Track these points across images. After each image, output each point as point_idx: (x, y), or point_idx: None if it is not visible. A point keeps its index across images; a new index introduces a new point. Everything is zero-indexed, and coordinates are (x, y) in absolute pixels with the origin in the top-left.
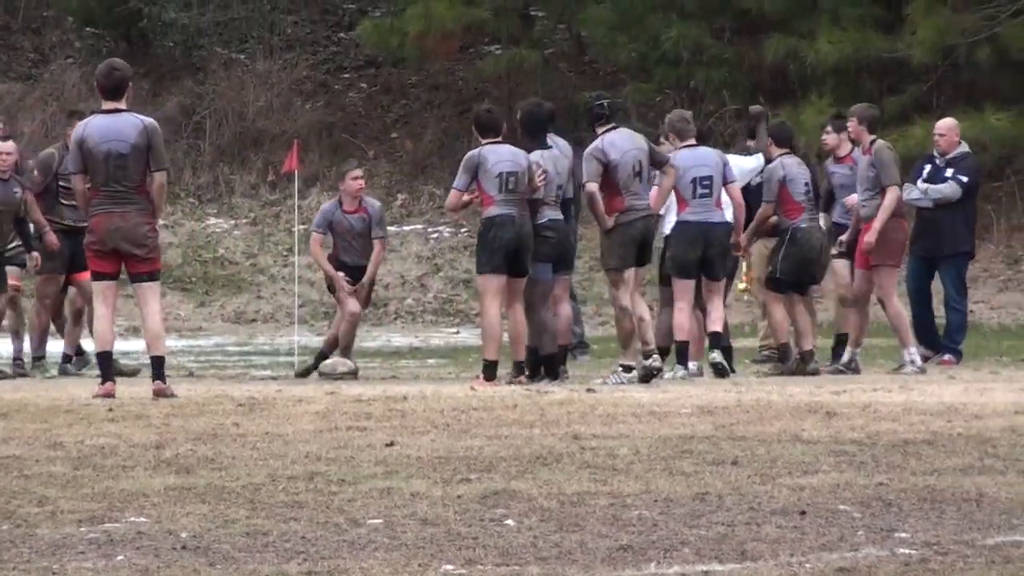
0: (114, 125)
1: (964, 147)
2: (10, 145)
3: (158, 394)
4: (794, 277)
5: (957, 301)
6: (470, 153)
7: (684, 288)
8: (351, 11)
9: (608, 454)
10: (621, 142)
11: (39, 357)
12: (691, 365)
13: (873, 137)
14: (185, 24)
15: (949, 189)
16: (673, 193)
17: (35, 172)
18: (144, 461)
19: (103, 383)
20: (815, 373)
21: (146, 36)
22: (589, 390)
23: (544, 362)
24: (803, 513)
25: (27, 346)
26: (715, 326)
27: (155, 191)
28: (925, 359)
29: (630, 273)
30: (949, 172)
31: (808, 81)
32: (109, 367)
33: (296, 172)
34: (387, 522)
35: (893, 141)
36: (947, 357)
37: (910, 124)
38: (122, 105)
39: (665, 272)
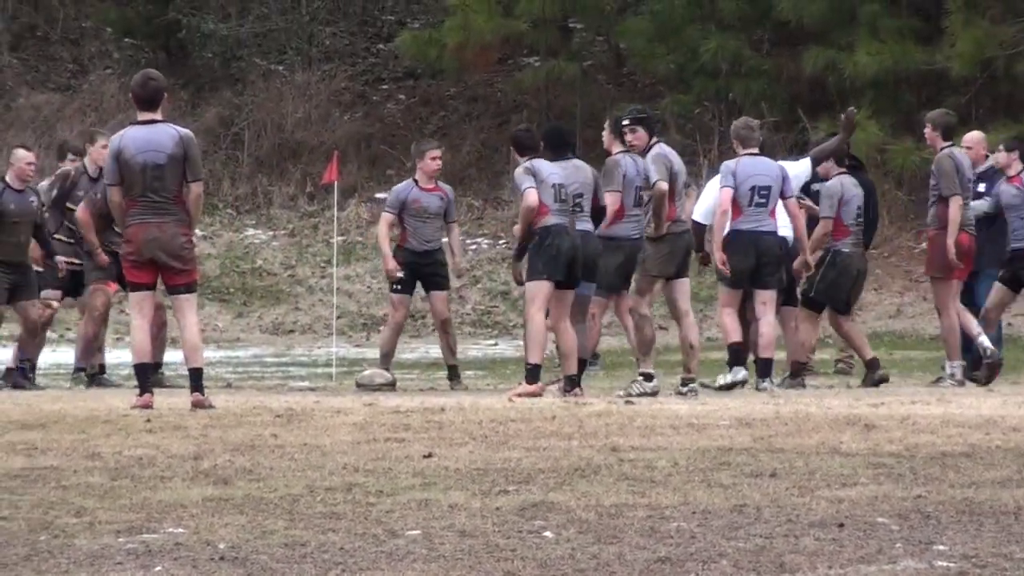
0: (151, 136)
1: (991, 160)
2: (32, 155)
3: (196, 405)
4: (826, 300)
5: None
6: (525, 163)
7: (731, 295)
8: (390, 22)
9: (646, 466)
10: (674, 155)
11: (80, 369)
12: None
13: (946, 144)
14: (224, 35)
15: (985, 205)
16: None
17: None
18: (182, 472)
19: (141, 394)
20: (884, 380)
21: (185, 47)
22: (628, 402)
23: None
24: (841, 525)
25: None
26: (766, 352)
27: (191, 202)
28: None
29: (658, 286)
30: (981, 187)
31: (847, 93)
32: (147, 378)
33: (335, 184)
34: (425, 533)
35: (931, 154)
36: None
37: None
38: (158, 116)
39: (723, 281)
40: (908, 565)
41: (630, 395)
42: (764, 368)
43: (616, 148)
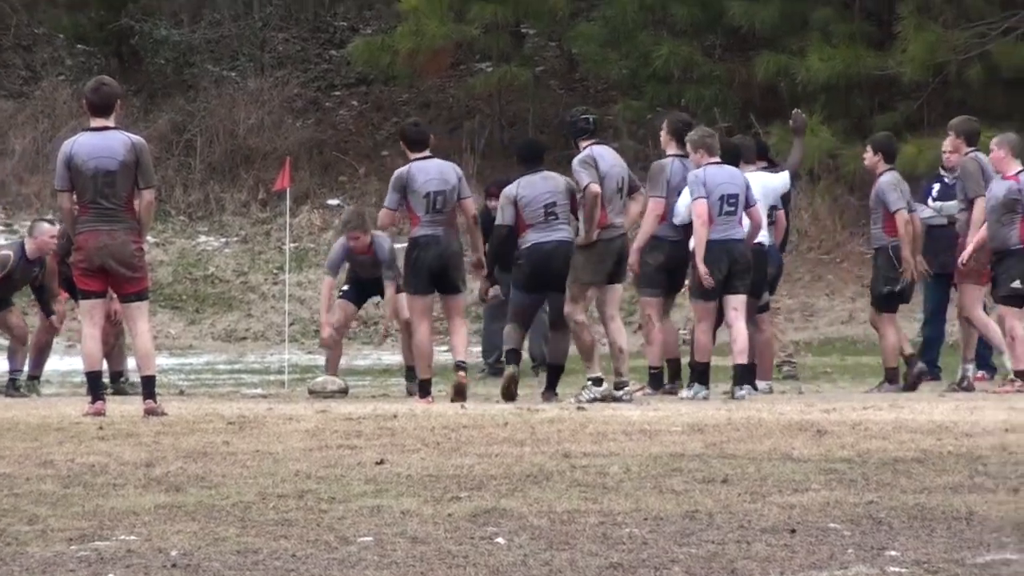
0: (102, 142)
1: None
2: (56, 230)
3: (149, 412)
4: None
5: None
6: (398, 171)
7: (706, 309)
8: (342, 29)
9: (598, 472)
10: (608, 156)
11: (32, 377)
12: (761, 384)
13: (970, 150)
14: (176, 42)
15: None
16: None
17: None
18: (134, 479)
19: (93, 402)
20: (923, 375)
21: (137, 53)
22: (579, 408)
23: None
24: (793, 531)
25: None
26: (740, 358)
27: (143, 209)
28: (917, 380)
29: (593, 291)
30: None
31: (799, 98)
32: (99, 386)
33: (287, 190)
34: (377, 540)
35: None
36: (980, 373)
37: (901, 142)
38: (110, 123)
39: (690, 293)
40: (860, 571)
41: (580, 401)
42: (742, 375)
43: (672, 149)
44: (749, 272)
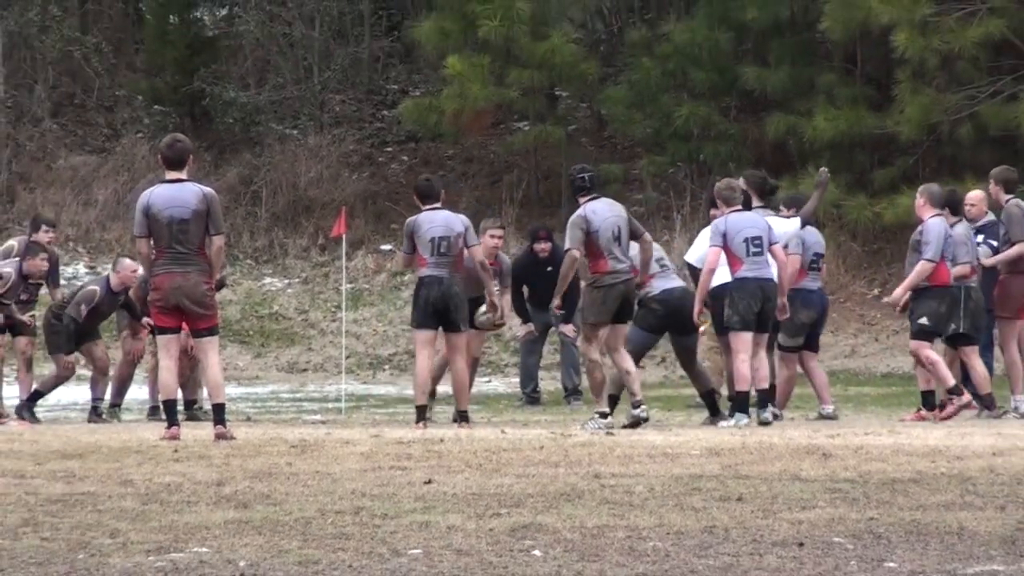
0: (177, 193)
1: (991, 216)
2: (136, 264)
3: (219, 437)
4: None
5: (987, 356)
6: (408, 220)
7: (744, 340)
8: (393, 91)
9: (625, 491)
10: (602, 210)
11: (115, 405)
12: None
13: (1009, 197)
14: (243, 103)
15: (983, 253)
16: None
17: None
18: (206, 497)
19: (169, 427)
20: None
21: (208, 113)
22: (609, 433)
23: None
24: (801, 545)
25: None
26: (764, 383)
27: (214, 253)
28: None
29: (604, 331)
30: (980, 238)
31: (806, 154)
32: (174, 413)
33: (343, 236)
34: (426, 552)
35: (883, 209)
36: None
37: (899, 194)
38: (184, 175)
39: (725, 325)
40: None
41: (586, 431)
42: (764, 399)
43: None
44: (773, 311)
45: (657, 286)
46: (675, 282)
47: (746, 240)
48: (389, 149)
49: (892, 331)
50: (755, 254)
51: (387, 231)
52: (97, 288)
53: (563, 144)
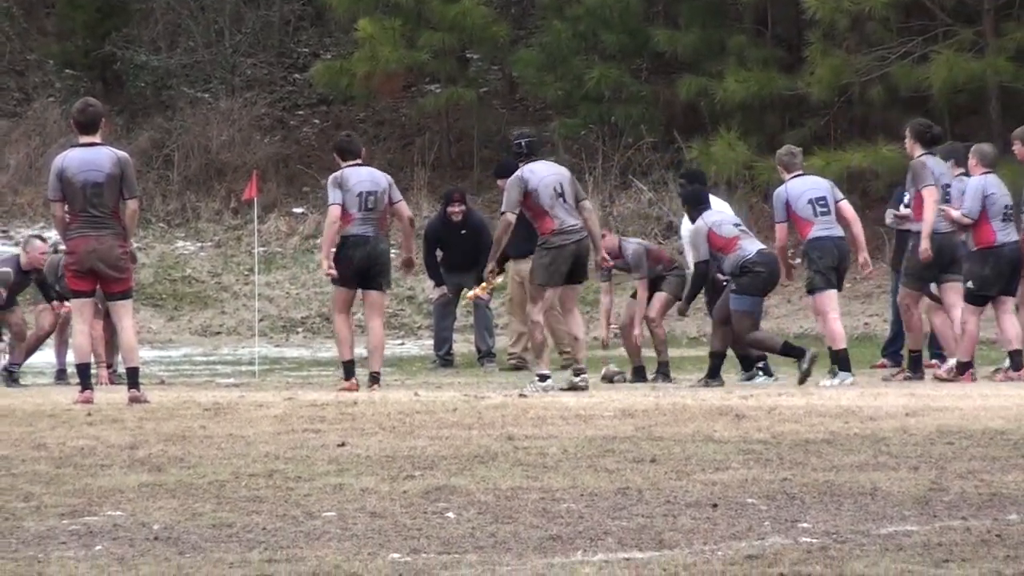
0: (91, 157)
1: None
2: (46, 246)
3: (133, 400)
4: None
5: None
6: (333, 175)
7: (830, 298)
8: (304, 54)
9: (539, 453)
10: (540, 169)
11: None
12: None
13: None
14: (155, 67)
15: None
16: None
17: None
18: (120, 460)
19: (82, 391)
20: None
21: (120, 77)
22: (521, 395)
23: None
24: (715, 506)
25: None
26: (839, 343)
27: (128, 217)
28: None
29: (551, 293)
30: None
31: (717, 116)
32: (88, 377)
33: (255, 200)
34: (340, 515)
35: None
36: (934, 361)
37: (810, 155)
38: (97, 139)
39: (807, 288)
40: (776, 541)
41: (525, 394)
42: (837, 357)
43: (917, 151)
44: (846, 271)
45: (749, 248)
46: (759, 243)
47: (811, 201)
48: (301, 112)
49: (804, 292)
50: (823, 213)
51: (299, 194)
52: (9, 271)
53: (475, 107)
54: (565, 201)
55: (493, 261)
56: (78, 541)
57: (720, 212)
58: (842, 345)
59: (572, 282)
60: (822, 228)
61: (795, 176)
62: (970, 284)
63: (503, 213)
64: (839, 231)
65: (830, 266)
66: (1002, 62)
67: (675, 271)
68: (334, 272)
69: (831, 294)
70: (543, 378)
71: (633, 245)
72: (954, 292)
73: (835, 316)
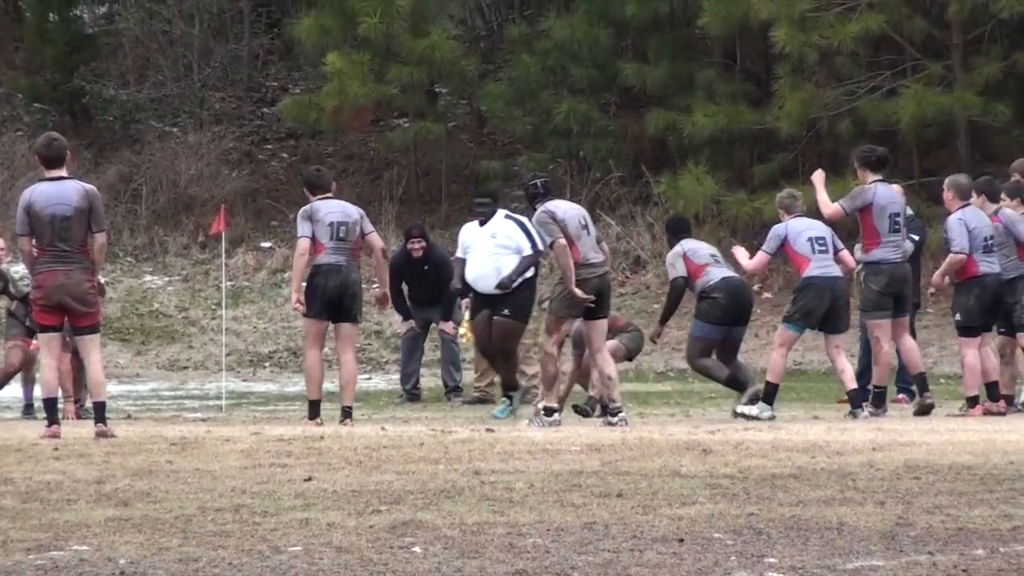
0: (59, 191)
1: (910, 211)
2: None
3: (99, 435)
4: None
5: None
6: (303, 208)
7: (792, 338)
8: (273, 88)
9: (505, 487)
10: (563, 204)
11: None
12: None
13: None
14: (124, 100)
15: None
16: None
17: None
18: (86, 495)
19: (49, 426)
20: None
21: (88, 111)
22: (488, 430)
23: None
24: (681, 541)
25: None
26: (851, 383)
27: (96, 250)
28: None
29: (567, 325)
30: None
31: (686, 151)
32: (55, 411)
33: (223, 234)
34: (306, 550)
35: (762, 205)
36: (900, 396)
37: (778, 190)
38: (64, 173)
39: (784, 317)
40: None
41: (533, 426)
42: (858, 399)
43: (870, 178)
44: (848, 311)
45: (715, 274)
46: (731, 272)
47: (810, 239)
48: (269, 146)
49: (772, 326)
50: (821, 252)
51: (267, 228)
52: None
53: (443, 141)
54: (589, 234)
55: (571, 284)
56: None
57: (700, 243)
58: (776, 381)
59: (595, 317)
60: (819, 267)
61: (795, 217)
62: (958, 317)
63: (553, 242)
64: (836, 271)
65: (811, 310)
66: (970, 96)
67: (632, 331)
68: (302, 307)
69: (795, 336)
70: (549, 412)
71: None
72: (899, 326)
73: (784, 352)
